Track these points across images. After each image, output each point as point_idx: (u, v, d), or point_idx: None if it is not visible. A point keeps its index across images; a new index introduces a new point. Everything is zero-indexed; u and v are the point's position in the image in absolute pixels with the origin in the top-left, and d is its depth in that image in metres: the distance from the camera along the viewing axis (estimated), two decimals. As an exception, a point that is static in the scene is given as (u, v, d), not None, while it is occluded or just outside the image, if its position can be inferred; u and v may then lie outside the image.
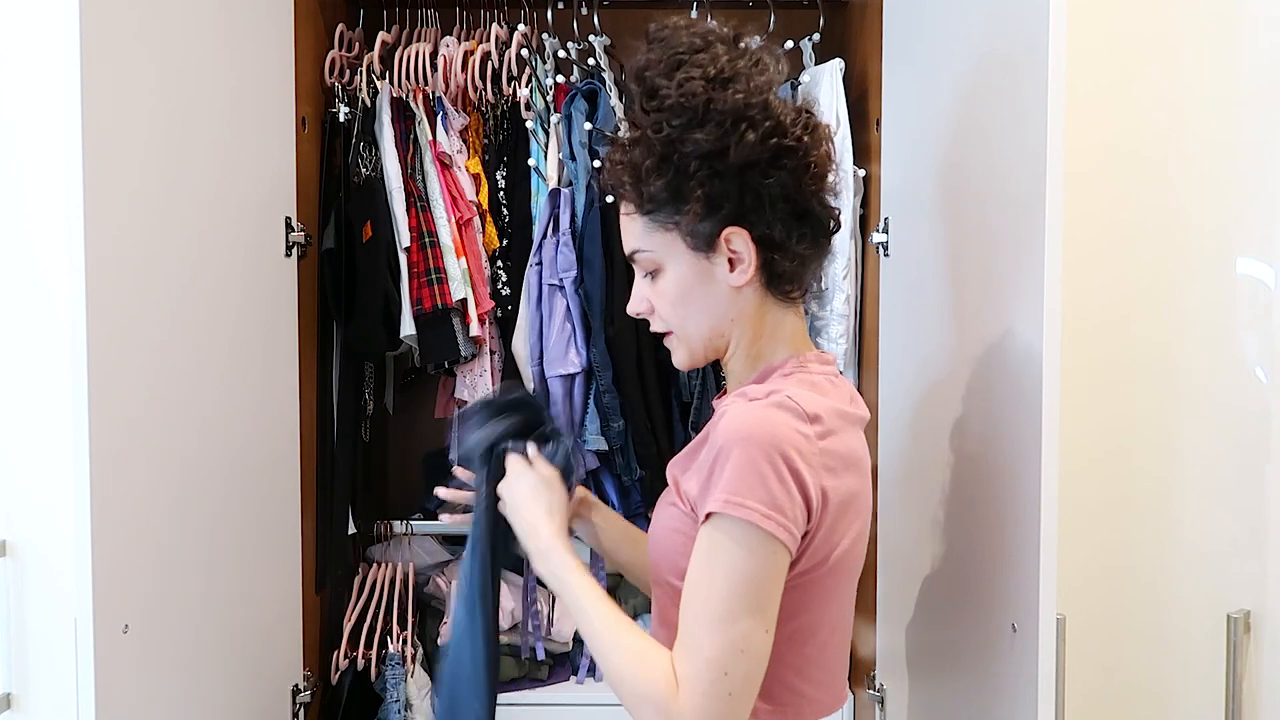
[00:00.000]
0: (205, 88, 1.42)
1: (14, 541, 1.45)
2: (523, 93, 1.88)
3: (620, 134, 1.06)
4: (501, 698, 1.13)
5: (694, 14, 1.94)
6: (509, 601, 1.94)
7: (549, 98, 1.89)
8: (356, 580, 1.99)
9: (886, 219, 1.71)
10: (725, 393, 1.13)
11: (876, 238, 1.74)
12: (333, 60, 1.90)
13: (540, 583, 1.91)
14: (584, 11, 1.90)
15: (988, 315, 1.26)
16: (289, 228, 1.70)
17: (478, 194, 1.91)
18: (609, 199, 1.68)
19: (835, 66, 1.81)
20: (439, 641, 1.95)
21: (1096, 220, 1.44)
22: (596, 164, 1.80)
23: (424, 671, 1.95)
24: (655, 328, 1.08)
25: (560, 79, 1.91)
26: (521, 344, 1.87)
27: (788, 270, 1.03)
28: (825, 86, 1.81)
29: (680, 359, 1.08)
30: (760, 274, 1.02)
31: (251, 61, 1.59)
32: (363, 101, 1.86)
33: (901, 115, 1.64)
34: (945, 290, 1.43)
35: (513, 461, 1.12)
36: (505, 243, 1.92)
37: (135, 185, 1.23)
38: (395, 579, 2.00)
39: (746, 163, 0.97)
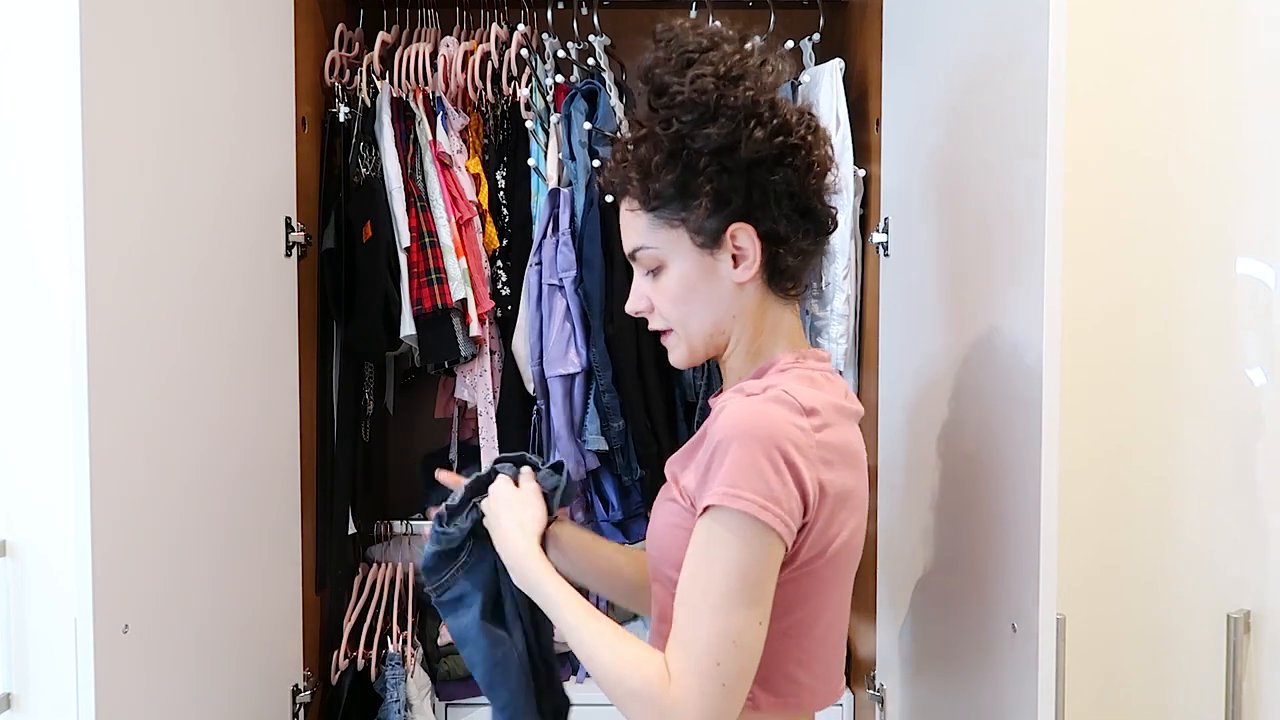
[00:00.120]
0: (205, 88, 1.42)
1: (14, 541, 1.45)
2: (523, 93, 1.88)
3: (621, 133, 1.07)
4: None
5: (694, 14, 1.94)
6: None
7: (549, 98, 1.89)
8: (356, 580, 1.99)
9: (886, 219, 1.71)
10: (722, 390, 1.13)
11: (876, 238, 1.74)
12: (333, 60, 1.90)
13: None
14: (584, 11, 1.90)
15: (988, 315, 1.26)
16: (289, 228, 1.70)
17: (478, 194, 1.91)
18: (609, 198, 1.68)
19: (835, 66, 1.81)
20: (438, 643, 1.95)
21: (1096, 220, 1.44)
22: (596, 164, 1.80)
23: (424, 671, 1.95)
24: (654, 325, 1.09)
25: (560, 79, 1.91)
26: (521, 344, 1.87)
27: (790, 267, 1.04)
28: (825, 86, 1.81)
29: (679, 356, 1.08)
30: (763, 271, 1.04)
31: (252, 61, 1.59)
32: (363, 101, 1.86)
33: (901, 115, 1.64)
34: (945, 290, 1.43)
35: (497, 481, 1.15)
36: (505, 243, 1.92)
37: (135, 185, 1.23)
38: (395, 579, 2.00)
39: (755, 159, 0.99)
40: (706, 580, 0.90)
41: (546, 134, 1.88)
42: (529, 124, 1.87)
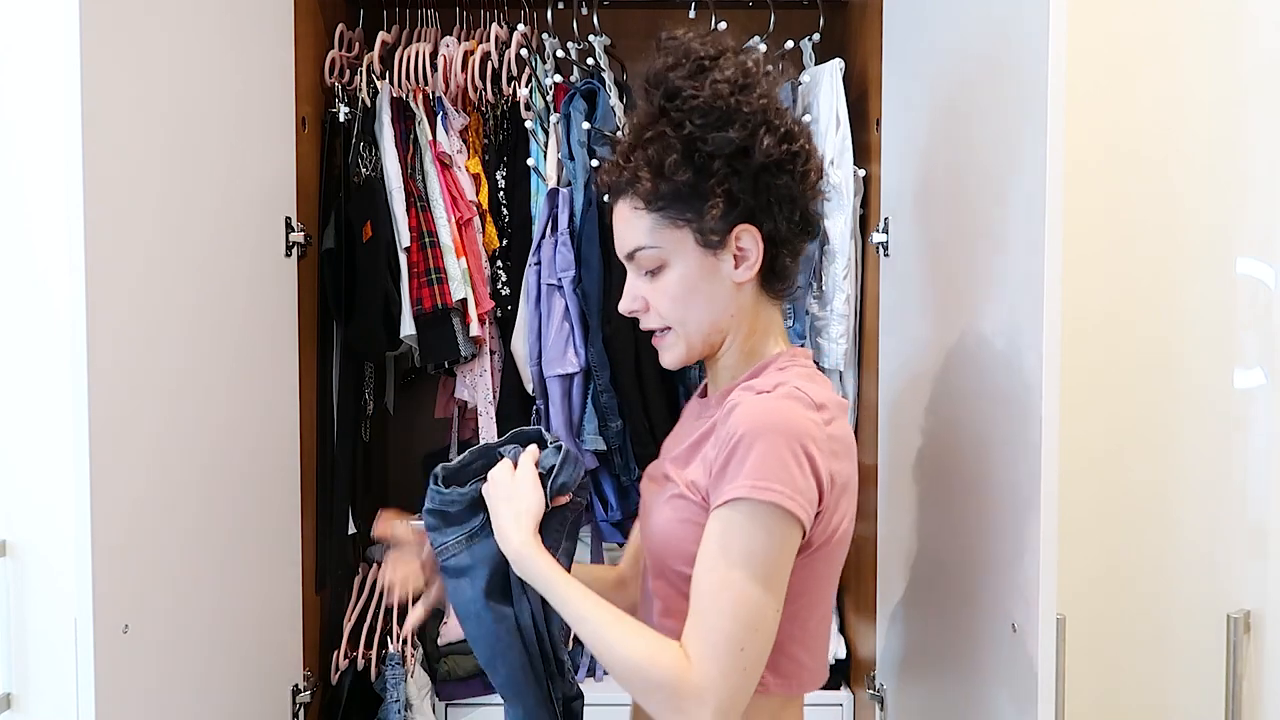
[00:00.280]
0: (205, 87, 1.42)
1: (14, 541, 1.45)
2: (522, 93, 1.88)
3: (621, 133, 1.07)
4: (502, 697, 1.14)
5: (693, 14, 1.94)
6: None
7: (549, 98, 1.89)
8: (356, 580, 1.99)
9: (886, 219, 1.71)
10: (706, 389, 1.16)
11: (876, 238, 1.74)
12: (333, 60, 1.90)
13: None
14: (584, 11, 1.90)
15: (988, 315, 1.26)
16: (289, 228, 1.70)
17: (478, 194, 1.91)
18: (606, 198, 1.68)
19: (835, 66, 1.81)
20: (438, 643, 1.95)
21: (1096, 220, 1.44)
22: (595, 164, 1.80)
23: (424, 671, 1.95)
24: (649, 325, 1.09)
25: (560, 79, 1.91)
26: (521, 344, 1.87)
27: (785, 268, 1.08)
28: (825, 86, 1.81)
29: (676, 356, 1.09)
30: (759, 271, 1.07)
31: (252, 61, 1.59)
32: (363, 101, 1.86)
33: (901, 115, 1.64)
34: (945, 290, 1.43)
35: (497, 466, 1.09)
36: (505, 243, 1.92)
37: (135, 185, 1.23)
38: (395, 579, 2.00)
39: (764, 164, 1.02)
40: (728, 569, 0.93)
41: (546, 134, 1.88)
42: (529, 124, 1.87)
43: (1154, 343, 1.43)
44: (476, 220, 1.90)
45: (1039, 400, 1.07)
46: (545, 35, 1.92)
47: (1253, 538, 1.26)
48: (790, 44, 1.89)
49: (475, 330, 1.86)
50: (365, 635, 1.91)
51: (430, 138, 1.86)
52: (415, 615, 1.15)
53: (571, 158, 1.84)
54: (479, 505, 1.08)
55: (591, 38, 1.88)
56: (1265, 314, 1.26)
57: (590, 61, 1.91)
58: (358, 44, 2.00)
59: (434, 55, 1.91)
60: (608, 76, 1.89)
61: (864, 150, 1.82)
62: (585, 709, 1.13)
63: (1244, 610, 1.25)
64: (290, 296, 1.72)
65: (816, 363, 1.84)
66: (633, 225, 1.06)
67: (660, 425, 1.85)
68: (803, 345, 1.83)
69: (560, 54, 1.90)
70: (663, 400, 1.86)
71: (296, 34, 1.74)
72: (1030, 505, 1.09)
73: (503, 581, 1.07)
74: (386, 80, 1.89)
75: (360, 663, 1.89)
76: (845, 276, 1.80)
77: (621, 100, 1.87)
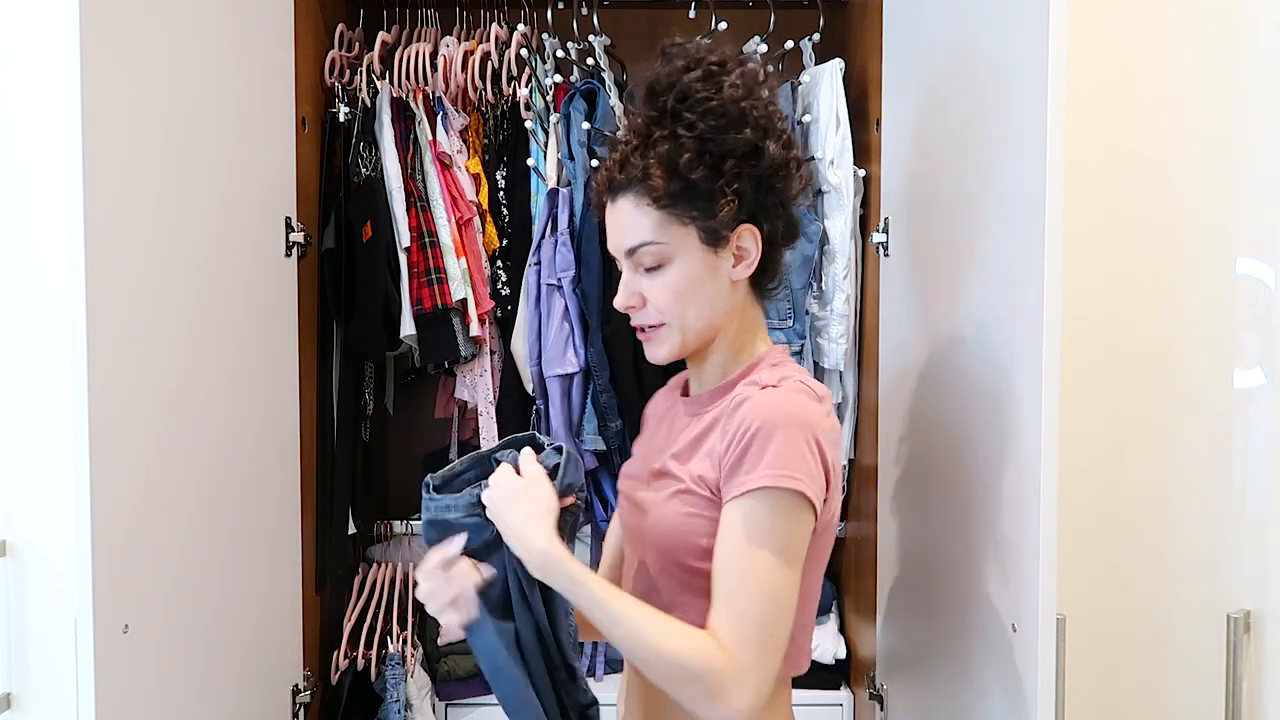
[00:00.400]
0: (205, 88, 1.42)
1: (14, 541, 1.45)
2: (522, 93, 1.88)
3: (621, 133, 1.08)
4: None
5: (693, 14, 1.94)
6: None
7: (549, 98, 1.89)
8: (356, 580, 1.99)
9: (886, 219, 1.71)
10: (687, 385, 1.18)
11: (876, 238, 1.74)
12: (333, 60, 1.90)
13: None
14: (584, 11, 1.90)
15: (988, 315, 1.26)
16: (289, 228, 1.70)
17: (478, 194, 1.91)
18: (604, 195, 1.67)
19: (835, 66, 1.81)
20: (438, 643, 1.95)
21: (1096, 220, 1.44)
22: (595, 164, 1.80)
23: (424, 671, 1.95)
24: (644, 320, 1.10)
25: (560, 79, 1.91)
26: (520, 344, 1.87)
27: (775, 267, 1.12)
28: (825, 86, 1.81)
29: (668, 350, 1.10)
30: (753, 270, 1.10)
31: (252, 61, 1.59)
32: (363, 101, 1.86)
33: (901, 115, 1.64)
34: (945, 290, 1.43)
35: (497, 471, 1.06)
36: (505, 243, 1.92)
37: (135, 185, 1.23)
38: (395, 579, 2.00)
39: (771, 167, 1.06)
40: (755, 555, 0.96)
41: (546, 134, 1.88)
42: (529, 124, 1.87)
43: (1154, 343, 1.43)
44: (476, 220, 1.90)
45: (1039, 400, 1.07)
46: (545, 35, 1.92)
47: (1253, 538, 1.26)
48: (790, 44, 1.89)
49: (475, 330, 1.86)
50: (365, 635, 1.91)
51: (430, 138, 1.86)
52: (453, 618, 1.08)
53: (571, 158, 1.84)
54: (478, 511, 1.05)
55: (591, 38, 1.88)
56: (1265, 314, 1.26)
57: (590, 61, 1.91)
58: (358, 44, 2.00)
59: (434, 55, 1.91)
60: (608, 76, 1.89)
61: (864, 150, 1.82)
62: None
63: (1244, 610, 1.25)
64: (290, 296, 1.72)
65: (817, 363, 1.84)
66: (637, 221, 1.06)
67: (660, 425, 1.85)
68: (802, 345, 1.83)
69: (560, 54, 1.90)
70: (663, 400, 1.86)
71: (296, 34, 1.74)
72: (1030, 505, 1.09)
73: (502, 595, 1.04)
74: (386, 80, 1.89)
75: (360, 663, 1.89)
76: (845, 276, 1.80)
77: (621, 100, 1.87)
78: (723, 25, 1.84)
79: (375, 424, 2.07)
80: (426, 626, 1.99)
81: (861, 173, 1.81)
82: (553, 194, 1.83)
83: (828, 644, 1.94)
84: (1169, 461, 1.41)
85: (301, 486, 1.76)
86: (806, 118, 1.81)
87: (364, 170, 1.83)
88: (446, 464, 1.16)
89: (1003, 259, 1.20)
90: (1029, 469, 1.09)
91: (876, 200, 1.77)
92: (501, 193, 1.93)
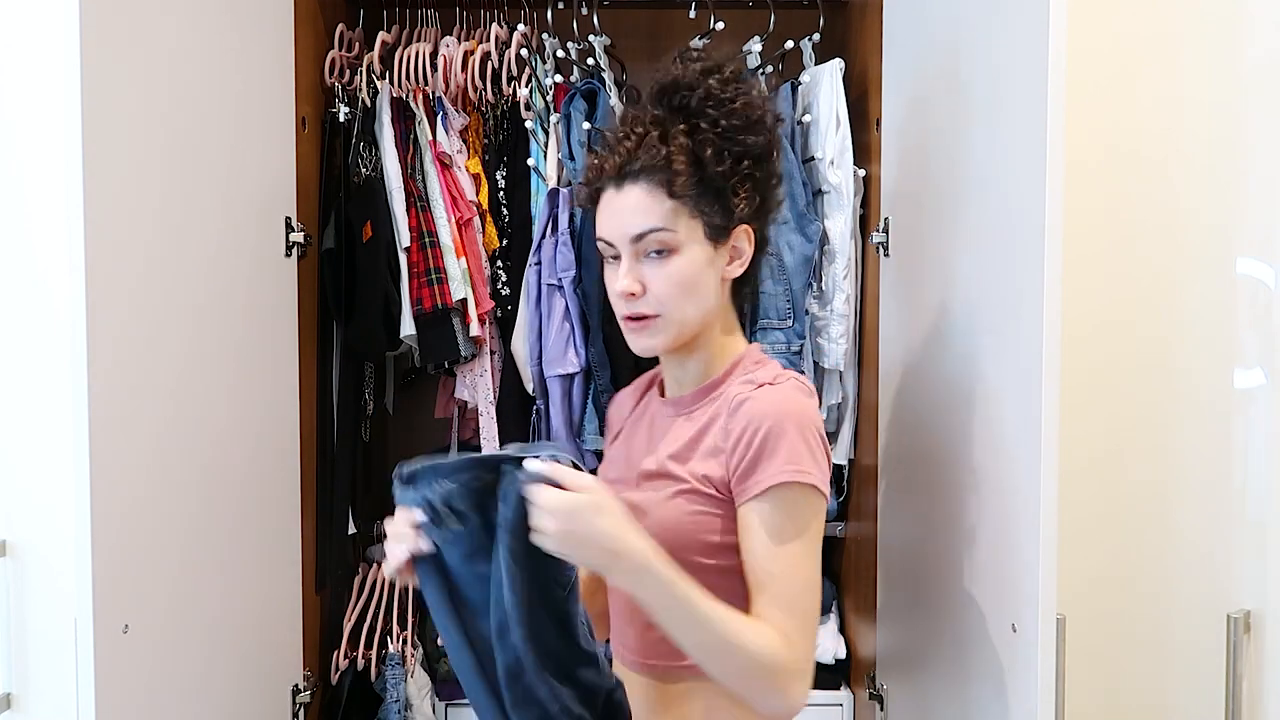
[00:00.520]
0: (205, 88, 1.42)
1: (14, 541, 1.45)
2: (522, 93, 1.88)
3: (635, 124, 1.10)
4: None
5: (693, 14, 1.94)
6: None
7: (549, 98, 1.89)
8: (356, 580, 1.99)
9: (886, 219, 1.71)
10: (663, 382, 1.19)
11: (876, 238, 1.74)
12: (333, 60, 1.90)
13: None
14: (584, 11, 1.90)
15: (987, 315, 1.26)
16: (289, 228, 1.70)
17: (478, 194, 1.91)
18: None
19: (835, 66, 1.81)
20: (438, 643, 1.95)
21: (1096, 220, 1.44)
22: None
23: (424, 671, 1.95)
24: (641, 309, 1.09)
25: (560, 79, 1.91)
26: (521, 344, 1.87)
27: (756, 270, 1.17)
28: (825, 86, 1.81)
29: (661, 342, 1.10)
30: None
31: (252, 61, 1.59)
32: (363, 101, 1.86)
33: (901, 115, 1.64)
34: (944, 290, 1.43)
35: (538, 491, 0.95)
36: (505, 243, 1.92)
37: (135, 185, 1.23)
38: (395, 579, 2.00)
39: (774, 175, 1.13)
40: (787, 550, 1.00)
41: (546, 134, 1.88)
42: (529, 124, 1.87)
43: (1154, 342, 1.43)
44: (476, 220, 1.90)
45: (1039, 400, 1.07)
46: (545, 35, 1.92)
47: (1253, 538, 1.26)
48: (790, 44, 1.89)
49: (475, 330, 1.86)
50: (365, 635, 1.91)
51: (430, 138, 1.86)
52: None
53: (572, 158, 1.84)
54: (486, 499, 0.98)
55: (591, 38, 1.88)
56: (1265, 314, 1.26)
57: (590, 61, 1.91)
58: (358, 44, 2.00)
59: (434, 55, 1.91)
60: (608, 76, 1.89)
61: (864, 150, 1.82)
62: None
63: (1244, 610, 1.25)
64: (290, 296, 1.72)
65: (817, 363, 1.84)
66: (649, 208, 1.07)
67: (660, 425, 1.85)
68: (802, 345, 1.83)
69: (560, 54, 1.90)
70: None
71: (296, 34, 1.74)
72: (1030, 505, 1.09)
73: (456, 603, 1.00)
74: (386, 80, 1.89)
75: (360, 663, 1.89)
76: (845, 276, 1.80)
77: (622, 100, 1.87)
78: (720, 25, 1.84)
79: (375, 424, 2.07)
80: (426, 626, 1.99)
81: (861, 173, 1.81)
82: (553, 194, 1.83)
83: (828, 644, 1.94)
84: (1169, 462, 1.40)
85: (301, 486, 1.76)
86: (806, 118, 1.81)
87: (364, 170, 1.83)
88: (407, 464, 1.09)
89: (1002, 259, 1.20)
90: (1029, 469, 1.09)
91: (876, 200, 1.77)
92: (501, 193, 1.93)
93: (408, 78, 1.90)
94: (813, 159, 1.81)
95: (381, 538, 2.06)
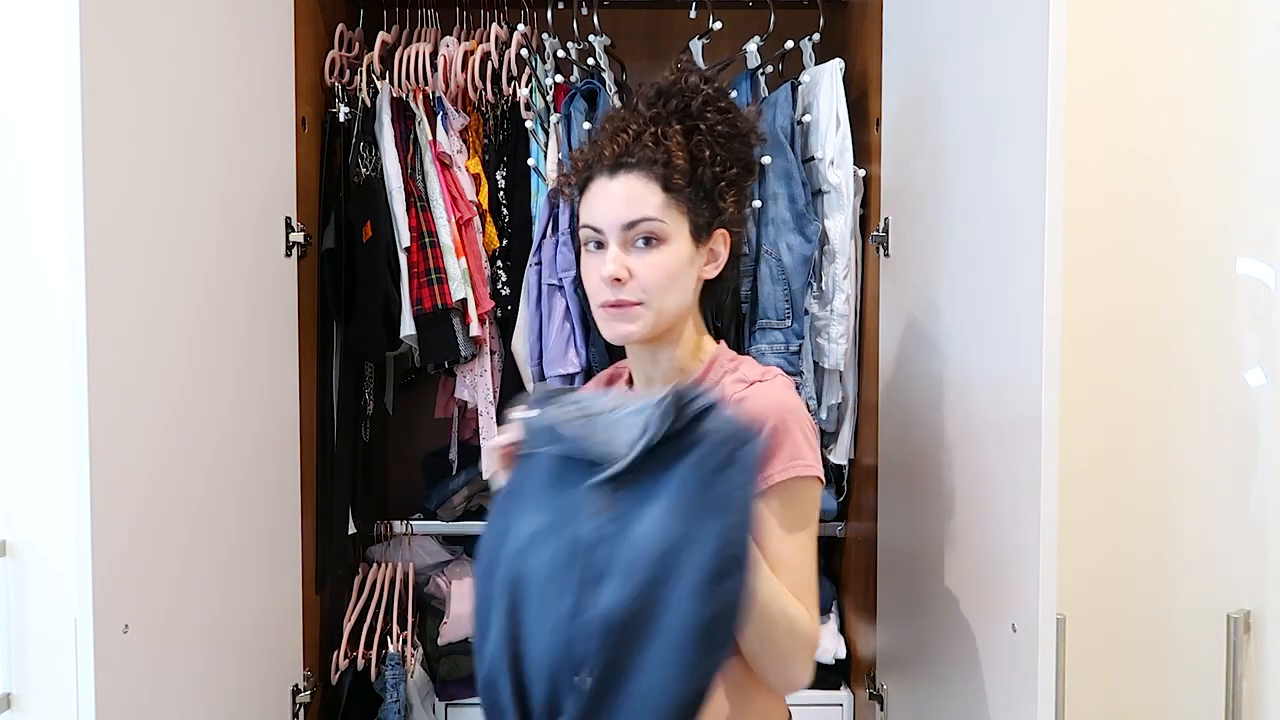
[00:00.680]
0: (205, 88, 1.42)
1: (14, 541, 1.45)
2: (522, 93, 1.88)
3: (632, 119, 1.13)
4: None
5: (693, 14, 1.94)
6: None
7: (549, 98, 1.89)
8: (356, 580, 1.99)
9: (886, 219, 1.71)
10: (630, 377, 1.22)
11: (876, 237, 1.74)
12: (333, 60, 1.90)
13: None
14: (584, 11, 1.90)
15: (987, 315, 1.26)
16: (289, 228, 1.70)
17: (478, 194, 1.91)
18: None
19: (835, 66, 1.81)
20: (438, 643, 1.95)
21: (1096, 220, 1.44)
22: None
23: (424, 671, 1.95)
24: (626, 296, 1.10)
25: (560, 79, 1.91)
26: (521, 344, 1.87)
27: (728, 277, 1.21)
28: (825, 86, 1.81)
29: (639, 329, 1.11)
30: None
31: (252, 61, 1.59)
32: (363, 101, 1.86)
33: (901, 115, 1.64)
34: (945, 290, 1.43)
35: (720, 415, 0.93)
36: (505, 243, 1.92)
37: (135, 185, 1.23)
38: (395, 579, 2.00)
39: (750, 189, 1.22)
40: (796, 539, 1.06)
41: (546, 134, 1.88)
42: (529, 124, 1.87)
43: (1154, 343, 1.43)
44: (476, 220, 1.90)
45: (1039, 400, 1.07)
46: (545, 35, 1.92)
47: (1253, 538, 1.26)
48: (790, 44, 1.89)
49: (475, 330, 1.86)
50: (365, 635, 1.91)
51: (430, 138, 1.86)
52: None
53: (572, 158, 1.84)
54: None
55: (591, 38, 1.88)
56: (1265, 314, 1.26)
57: (590, 61, 1.91)
58: (358, 44, 2.00)
59: (434, 55, 1.91)
60: (608, 76, 1.88)
61: (864, 150, 1.82)
62: None
63: (1244, 610, 1.25)
64: (290, 297, 1.72)
65: (817, 363, 1.84)
66: (643, 198, 1.10)
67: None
68: (801, 345, 1.83)
69: (560, 54, 1.90)
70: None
71: (296, 34, 1.74)
72: (1030, 505, 1.09)
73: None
74: (386, 80, 1.89)
75: (360, 663, 1.89)
76: (845, 276, 1.80)
77: (622, 100, 1.87)
78: (718, 25, 1.84)
79: (375, 424, 2.07)
80: (426, 626, 2.00)
81: (861, 173, 1.81)
82: (553, 194, 1.83)
83: (828, 644, 1.94)
84: (1169, 462, 1.40)
85: (301, 486, 1.76)
86: (806, 118, 1.81)
87: (364, 170, 1.83)
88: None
89: (1003, 259, 1.20)
90: (1029, 469, 1.09)
91: (876, 200, 1.77)
92: (501, 193, 1.93)
93: (408, 78, 1.90)
94: (813, 159, 1.81)
95: (381, 538, 2.07)
